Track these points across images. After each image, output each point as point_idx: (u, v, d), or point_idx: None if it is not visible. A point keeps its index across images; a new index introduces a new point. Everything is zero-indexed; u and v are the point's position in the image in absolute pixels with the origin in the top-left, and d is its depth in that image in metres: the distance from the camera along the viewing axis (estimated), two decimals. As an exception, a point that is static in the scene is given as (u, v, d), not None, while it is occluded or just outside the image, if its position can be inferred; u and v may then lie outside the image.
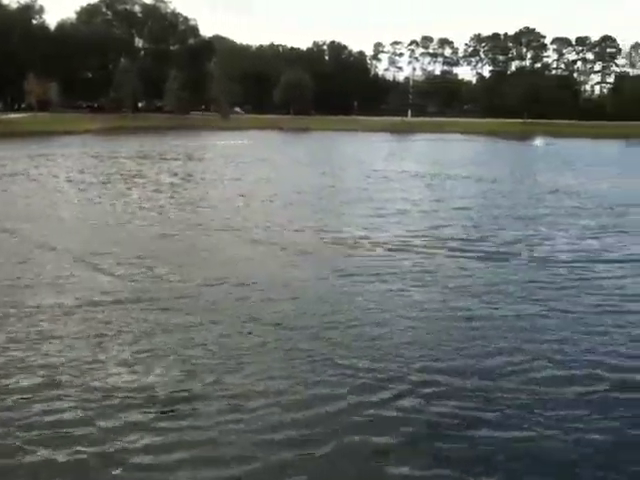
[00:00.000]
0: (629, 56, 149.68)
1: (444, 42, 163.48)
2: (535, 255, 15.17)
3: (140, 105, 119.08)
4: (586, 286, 12.43)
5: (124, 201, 23.22)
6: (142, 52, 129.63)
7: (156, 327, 9.70)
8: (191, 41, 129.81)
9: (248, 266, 13.63)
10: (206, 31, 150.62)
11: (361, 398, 7.53)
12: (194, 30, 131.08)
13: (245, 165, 39.17)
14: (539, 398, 7.61)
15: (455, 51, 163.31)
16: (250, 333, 9.54)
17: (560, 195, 27.06)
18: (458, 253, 15.21)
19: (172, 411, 7.19)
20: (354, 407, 7.32)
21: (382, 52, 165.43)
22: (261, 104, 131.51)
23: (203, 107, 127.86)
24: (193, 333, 9.49)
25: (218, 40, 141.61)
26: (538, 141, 65.68)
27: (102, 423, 6.85)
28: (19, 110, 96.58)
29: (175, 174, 33.40)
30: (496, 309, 10.90)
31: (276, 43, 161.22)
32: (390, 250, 15.36)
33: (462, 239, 16.89)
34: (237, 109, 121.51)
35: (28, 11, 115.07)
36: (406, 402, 7.48)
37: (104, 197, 24.26)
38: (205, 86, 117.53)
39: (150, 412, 7.12)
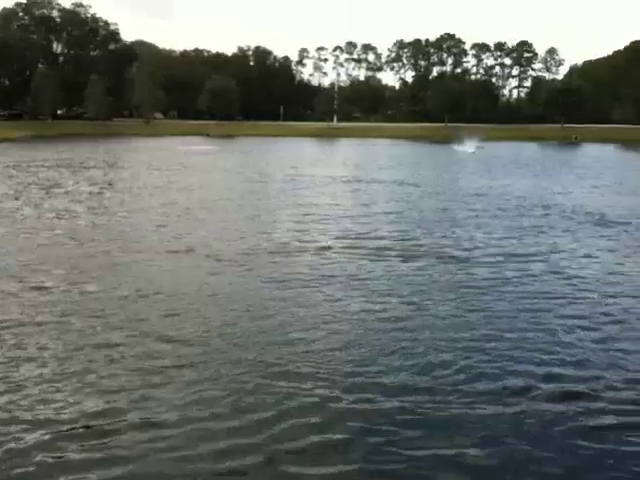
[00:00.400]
0: (545, 61, 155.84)
1: (367, 48, 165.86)
2: (457, 255, 15.57)
3: (60, 112, 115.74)
4: (505, 285, 12.86)
5: (38, 213, 22.31)
6: (61, 58, 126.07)
7: (73, 346, 9.41)
8: (112, 46, 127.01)
9: (172, 277, 13.38)
10: (128, 36, 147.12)
11: (290, 403, 7.57)
12: (115, 35, 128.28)
13: (169, 172, 38.56)
14: (461, 392, 7.83)
15: (378, 57, 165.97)
16: (177, 342, 9.41)
17: (482, 197, 27.84)
18: (384, 256, 15.43)
19: (86, 427, 7.00)
20: (283, 413, 7.35)
21: (307, 57, 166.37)
22: (186, 110, 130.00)
23: (126, 113, 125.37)
24: (113, 350, 9.26)
25: (140, 45, 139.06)
26: (467, 145, 67.25)
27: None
28: None
29: (95, 183, 32.47)
30: (420, 309, 11.15)
31: (200, 48, 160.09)
32: (317, 255, 15.44)
33: (387, 242, 17.14)
34: (158, 115, 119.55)
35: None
36: (335, 404, 7.57)
37: (18, 208, 23.35)
38: (127, 92, 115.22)
39: (60, 432, 6.92)
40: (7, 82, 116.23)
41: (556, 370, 8.65)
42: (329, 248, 16.26)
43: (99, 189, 29.99)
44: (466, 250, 16.31)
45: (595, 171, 43.73)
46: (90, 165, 43.25)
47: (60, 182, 32.57)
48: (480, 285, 12.81)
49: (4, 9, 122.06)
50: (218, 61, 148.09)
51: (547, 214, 22.95)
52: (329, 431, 6.99)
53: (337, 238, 17.65)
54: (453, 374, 8.43)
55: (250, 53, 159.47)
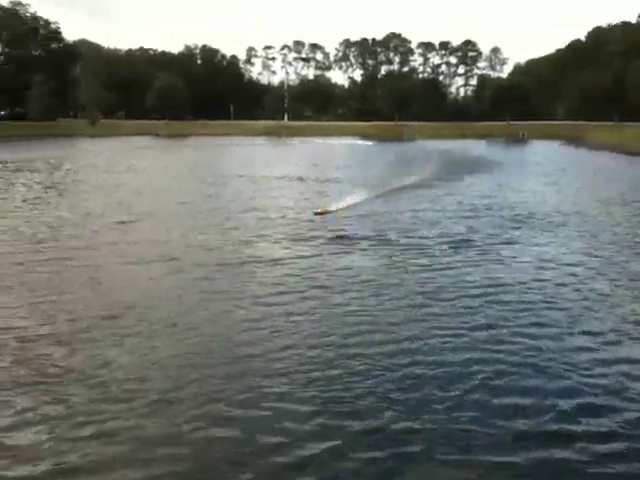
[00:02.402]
0: (489, 59, 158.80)
1: (315, 47, 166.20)
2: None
3: (3, 113, 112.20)
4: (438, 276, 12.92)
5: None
6: (1, 57, 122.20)
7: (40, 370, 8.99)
8: (54, 45, 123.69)
9: (127, 287, 12.97)
10: (70, 35, 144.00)
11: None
12: (57, 34, 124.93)
13: (118, 175, 37.43)
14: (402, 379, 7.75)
15: (327, 56, 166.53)
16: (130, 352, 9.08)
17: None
18: (341, 252, 15.32)
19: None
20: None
21: (255, 56, 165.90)
22: (133, 110, 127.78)
23: (72, 114, 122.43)
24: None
25: (83, 44, 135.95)
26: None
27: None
28: None
29: (42, 186, 31.32)
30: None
31: (146, 47, 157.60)
32: (274, 260, 15.20)
33: (338, 240, 17.02)
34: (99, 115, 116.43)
35: None
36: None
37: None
38: (72, 92, 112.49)
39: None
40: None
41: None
42: (286, 249, 16.06)
43: (44, 193, 28.78)
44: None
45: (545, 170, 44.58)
46: (33, 168, 41.71)
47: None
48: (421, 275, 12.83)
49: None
50: (164, 60, 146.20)
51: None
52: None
53: (297, 238, 17.45)
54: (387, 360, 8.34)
55: (197, 52, 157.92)
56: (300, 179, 34.73)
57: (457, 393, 7.89)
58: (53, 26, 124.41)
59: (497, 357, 9.01)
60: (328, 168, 42.19)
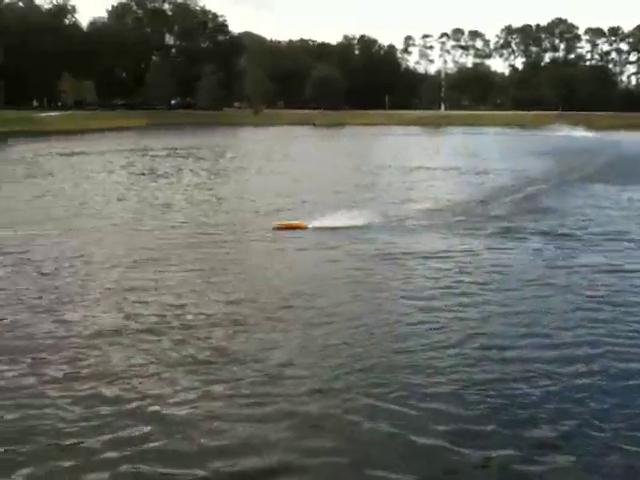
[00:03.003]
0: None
1: (475, 34, 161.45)
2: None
3: (173, 102, 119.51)
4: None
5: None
6: (173, 50, 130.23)
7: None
8: (221, 38, 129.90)
9: (290, 274, 13.19)
10: (236, 28, 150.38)
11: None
12: (224, 27, 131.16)
13: (277, 162, 38.62)
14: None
15: (486, 43, 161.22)
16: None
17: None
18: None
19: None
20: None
21: (412, 45, 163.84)
22: (292, 100, 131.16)
23: (236, 104, 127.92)
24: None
25: (248, 36, 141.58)
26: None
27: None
28: (55, 109, 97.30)
29: (208, 172, 33.11)
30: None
31: (306, 38, 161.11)
32: (434, 253, 14.82)
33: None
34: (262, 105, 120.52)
35: (60, 11, 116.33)
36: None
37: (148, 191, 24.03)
38: (237, 83, 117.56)
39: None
40: (124, 74, 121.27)
41: None
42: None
43: (216, 175, 30.60)
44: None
45: None
46: (199, 155, 44.17)
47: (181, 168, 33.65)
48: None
49: (119, 3, 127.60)
50: (323, 51, 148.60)
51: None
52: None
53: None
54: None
55: (355, 42, 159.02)
56: (458, 170, 33.82)
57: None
58: (220, 19, 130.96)
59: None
60: (489, 160, 40.57)
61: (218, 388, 7.66)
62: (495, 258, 14.04)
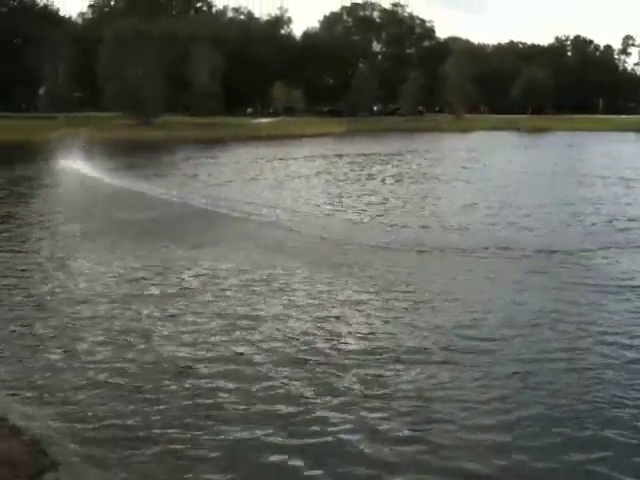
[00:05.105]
0: None
1: None
2: None
3: (375, 108, 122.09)
4: None
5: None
6: (380, 56, 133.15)
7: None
8: (427, 43, 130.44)
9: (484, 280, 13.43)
10: (441, 32, 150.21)
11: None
12: (430, 32, 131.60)
13: (474, 170, 38.23)
14: None
15: None
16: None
17: None
18: None
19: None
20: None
21: (632, 46, 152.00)
22: (497, 104, 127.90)
23: (437, 109, 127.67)
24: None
25: (453, 41, 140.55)
26: None
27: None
28: (268, 115, 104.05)
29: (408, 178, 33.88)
30: None
31: (515, 40, 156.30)
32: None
33: None
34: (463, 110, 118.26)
35: (277, 22, 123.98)
36: None
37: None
38: (439, 88, 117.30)
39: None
40: (331, 81, 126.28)
41: None
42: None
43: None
44: None
45: None
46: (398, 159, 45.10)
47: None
48: None
49: (331, 13, 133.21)
50: (533, 52, 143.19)
51: None
52: None
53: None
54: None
55: (568, 43, 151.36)
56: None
57: None
58: (428, 24, 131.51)
59: None
60: None
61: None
62: None
